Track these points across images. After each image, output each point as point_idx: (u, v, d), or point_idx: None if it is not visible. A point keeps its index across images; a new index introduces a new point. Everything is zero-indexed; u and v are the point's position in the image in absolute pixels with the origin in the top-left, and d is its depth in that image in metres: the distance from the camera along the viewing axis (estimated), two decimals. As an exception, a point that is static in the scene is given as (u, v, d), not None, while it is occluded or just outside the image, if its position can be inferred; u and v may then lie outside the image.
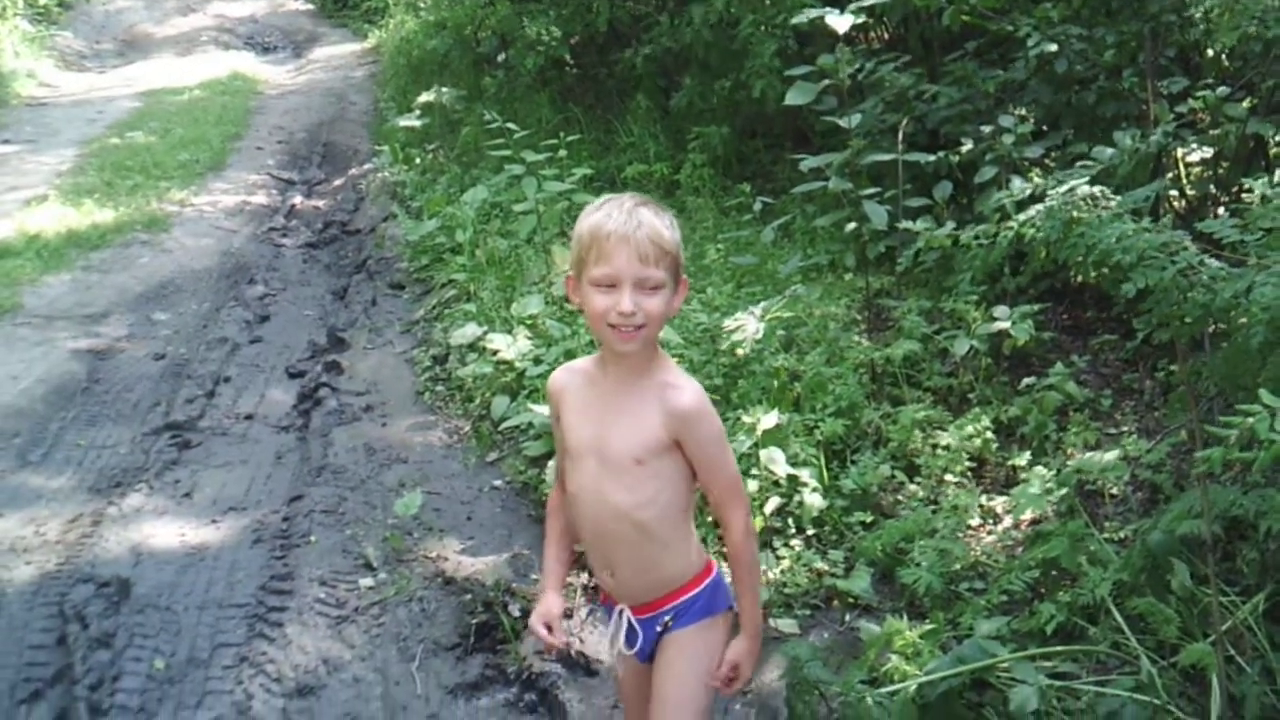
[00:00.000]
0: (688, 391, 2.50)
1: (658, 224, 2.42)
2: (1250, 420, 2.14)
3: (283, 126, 14.16)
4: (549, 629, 2.73)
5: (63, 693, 3.83)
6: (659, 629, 2.67)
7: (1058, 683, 3.23)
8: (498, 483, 5.27)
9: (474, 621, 4.17)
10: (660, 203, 2.54)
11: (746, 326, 5.10)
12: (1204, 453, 2.25)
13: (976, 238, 3.19)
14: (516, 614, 4.18)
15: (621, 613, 2.70)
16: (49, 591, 4.41)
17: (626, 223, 2.39)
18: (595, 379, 2.61)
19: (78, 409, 6.23)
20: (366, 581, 4.48)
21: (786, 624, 3.94)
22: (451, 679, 3.96)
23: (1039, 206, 2.99)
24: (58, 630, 4.15)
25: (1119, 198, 2.93)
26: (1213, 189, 5.48)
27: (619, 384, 2.54)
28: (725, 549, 2.67)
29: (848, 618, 3.97)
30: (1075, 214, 2.80)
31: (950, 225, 4.39)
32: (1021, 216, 3.00)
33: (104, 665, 3.95)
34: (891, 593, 4.04)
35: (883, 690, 3.26)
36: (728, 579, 2.76)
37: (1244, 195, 3.16)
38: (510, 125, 8.07)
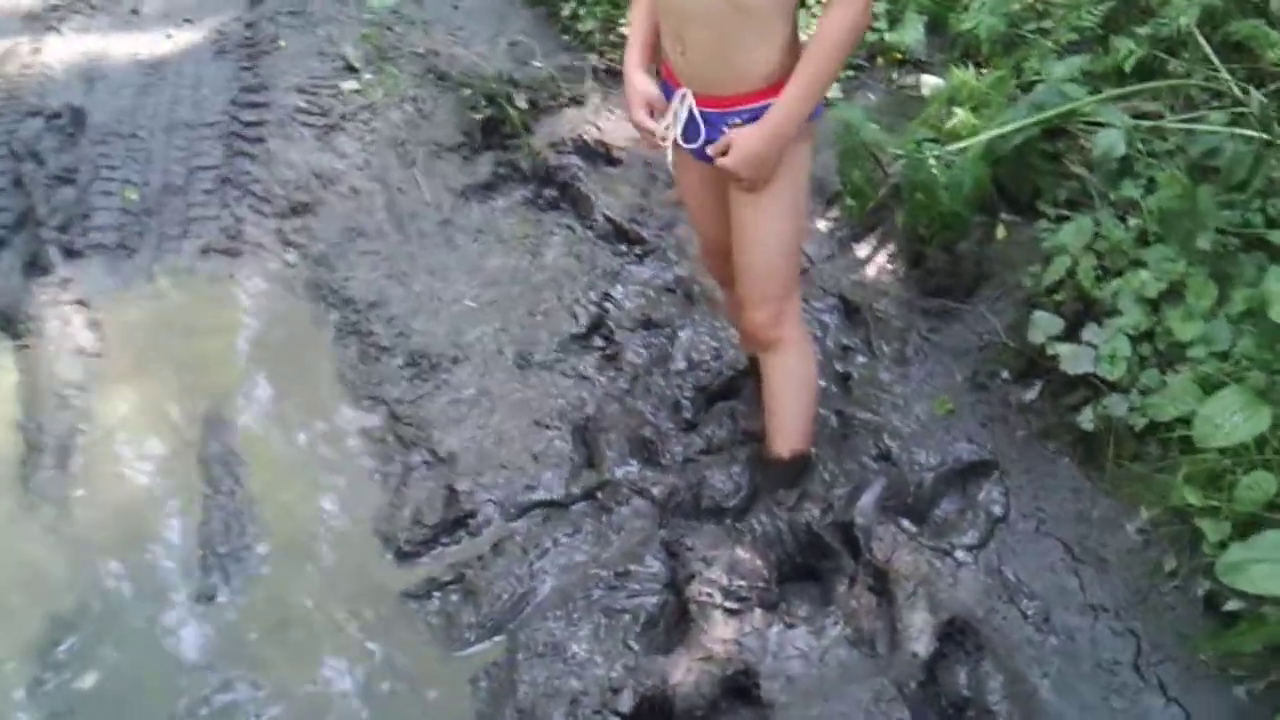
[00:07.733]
0: None
1: None
2: None
3: None
4: (651, 113, 2.27)
5: (29, 238, 3.58)
6: (726, 129, 2.20)
7: (1145, 122, 2.93)
8: (484, -39, 4.84)
9: (477, 118, 3.92)
10: None
11: None
12: None
13: None
14: (524, 106, 3.90)
15: (684, 97, 2.21)
16: (-6, 132, 4.09)
17: None
18: None
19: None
20: (349, 85, 4.20)
21: (829, 88, 3.58)
22: (460, 181, 3.75)
23: None
24: (12, 172, 3.83)
25: None
26: None
27: None
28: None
29: (895, 75, 3.70)
30: None
31: None
32: None
33: (70, 203, 3.69)
34: (941, 44, 3.75)
35: (950, 148, 2.92)
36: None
37: None
38: None
